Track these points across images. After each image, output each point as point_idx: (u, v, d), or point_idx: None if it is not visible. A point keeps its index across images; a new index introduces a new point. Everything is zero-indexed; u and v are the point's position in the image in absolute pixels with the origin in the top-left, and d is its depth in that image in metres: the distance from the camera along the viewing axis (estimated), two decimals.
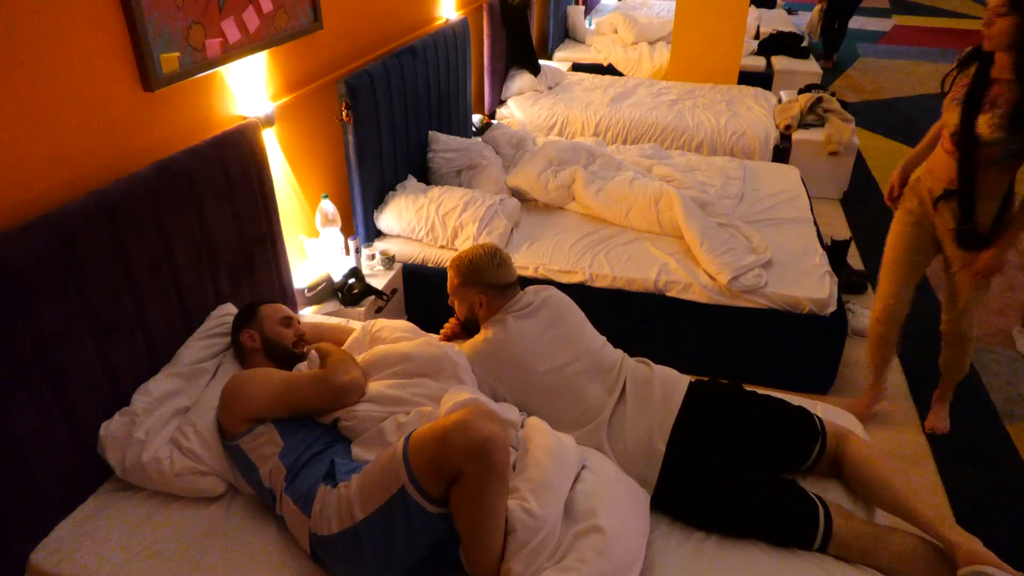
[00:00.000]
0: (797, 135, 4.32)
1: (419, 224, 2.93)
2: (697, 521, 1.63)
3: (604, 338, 1.96)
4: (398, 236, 3.02)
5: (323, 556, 1.49)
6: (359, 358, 1.83)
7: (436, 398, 1.70)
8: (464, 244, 2.87)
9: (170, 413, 1.74)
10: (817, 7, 7.48)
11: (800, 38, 6.23)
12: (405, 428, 1.62)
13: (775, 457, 1.72)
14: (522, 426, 1.70)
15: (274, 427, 1.62)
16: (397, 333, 1.94)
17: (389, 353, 1.81)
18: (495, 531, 1.38)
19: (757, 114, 4.50)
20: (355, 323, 2.15)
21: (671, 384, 1.82)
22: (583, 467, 1.58)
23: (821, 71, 5.78)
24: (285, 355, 1.85)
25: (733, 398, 1.81)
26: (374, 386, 1.74)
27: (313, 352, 1.85)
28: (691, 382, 1.84)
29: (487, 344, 1.83)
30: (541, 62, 4.89)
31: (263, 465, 1.60)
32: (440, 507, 1.39)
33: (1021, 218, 2.05)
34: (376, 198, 2.96)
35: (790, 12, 9.09)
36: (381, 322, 1.98)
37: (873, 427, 2.57)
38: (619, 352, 1.94)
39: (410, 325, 2.01)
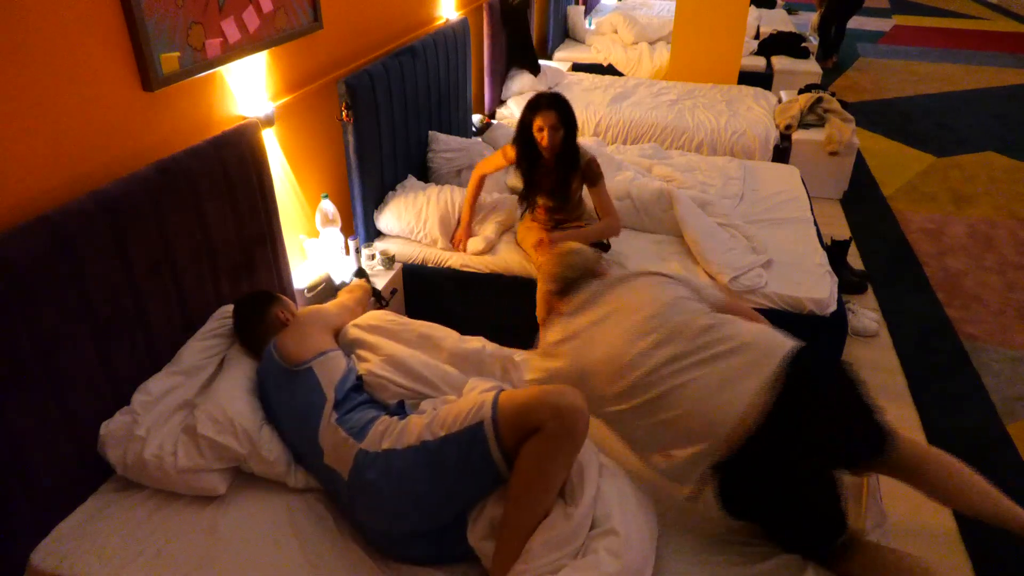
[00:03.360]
0: (797, 135, 4.32)
1: (417, 225, 2.92)
2: (724, 495, 1.55)
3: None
4: (397, 236, 3.02)
5: (359, 477, 1.53)
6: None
7: (456, 386, 1.78)
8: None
9: (172, 409, 1.75)
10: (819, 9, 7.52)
11: (800, 38, 6.23)
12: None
13: (835, 451, 1.57)
14: None
15: (343, 355, 1.78)
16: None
17: (424, 333, 1.93)
18: (545, 500, 1.43)
19: (757, 114, 4.50)
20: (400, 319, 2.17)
21: (769, 352, 1.62)
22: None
23: (821, 71, 5.79)
24: None
25: (821, 380, 1.62)
26: (399, 350, 1.84)
27: None
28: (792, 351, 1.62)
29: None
30: (541, 62, 4.88)
31: (328, 388, 1.67)
32: (502, 458, 1.45)
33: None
34: (376, 198, 2.96)
35: (790, 12, 9.10)
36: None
37: None
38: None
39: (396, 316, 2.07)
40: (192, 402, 1.78)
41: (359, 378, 1.78)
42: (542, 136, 2.54)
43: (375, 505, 1.52)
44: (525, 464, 1.42)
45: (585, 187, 2.71)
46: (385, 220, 2.96)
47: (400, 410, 1.69)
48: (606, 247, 2.85)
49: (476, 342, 1.95)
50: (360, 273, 2.59)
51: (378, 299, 2.54)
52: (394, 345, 1.87)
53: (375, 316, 1.99)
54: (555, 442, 1.41)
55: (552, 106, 2.52)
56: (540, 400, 1.44)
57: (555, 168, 2.64)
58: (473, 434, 1.47)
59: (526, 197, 2.77)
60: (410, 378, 1.78)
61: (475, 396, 1.56)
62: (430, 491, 1.48)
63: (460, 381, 1.79)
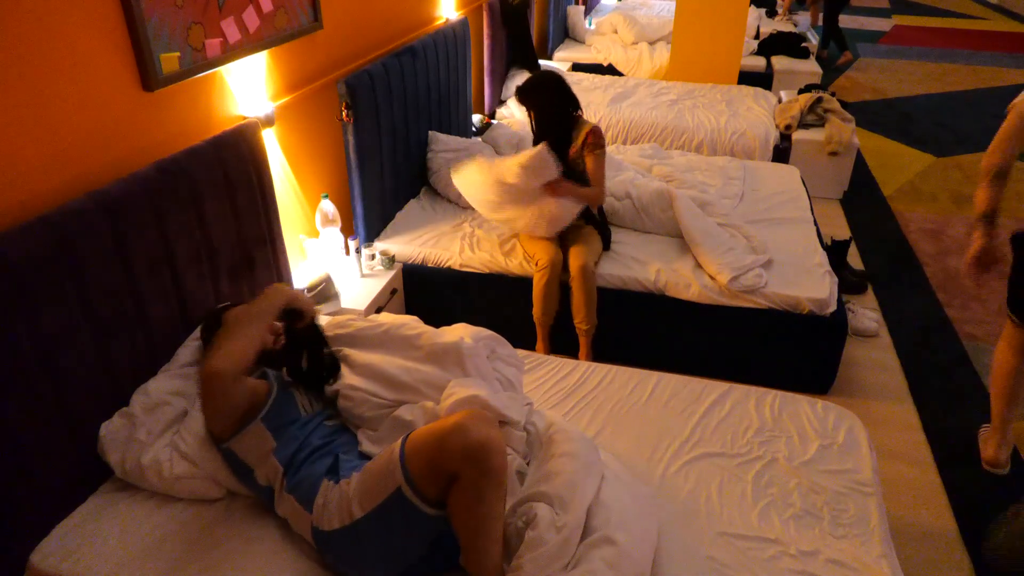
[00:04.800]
0: (797, 135, 4.32)
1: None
2: None
3: None
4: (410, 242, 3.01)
5: (326, 551, 1.50)
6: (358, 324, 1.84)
7: (439, 387, 1.70)
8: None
9: (170, 416, 1.74)
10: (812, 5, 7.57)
11: (800, 38, 6.23)
12: (411, 426, 1.62)
13: None
14: (526, 426, 1.70)
15: (263, 425, 1.59)
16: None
17: (394, 334, 1.81)
18: (493, 535, 1.38)
19: (757, 114, 4.50)
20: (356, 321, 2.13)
21: None
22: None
23: (821, 71, 5.79)
24: (269, 357, 1.76)
25: None
26: (373, 359, 1.74)
27: None
28: None
29: None
30: (541, 62, 4.88)
31: (259, 466, 1.59)
32: (436, 509, 1.39)
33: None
34: (377, 198, 2.95)
35: (790, 12, 9.10)
36: (385, 316, 1.99)
37: (873, 427, 2.57)
38: None
39: (415, 319, 2.01)
40: (187, 410, 1.76)
41: (322, 413, 1.70)
42: None
43: (349, 569, 1.49)
44: (459, 518, 1.37)
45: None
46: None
47: (334, 471, 1.55)
48: (607, 241, 2.85)
49: (453, 334, 1.82)
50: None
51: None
52: (367, 355, 1.78)
53: (339, 324, 1.86)
54: (476, 487, 1.33)
55: (516, 91, 2.83)
56: (446, 444, 1.34)
57: (551, 141, 2.76)
58: (397, 503, 1.39)
59: None
60: (389, 387, 1.70)
61: (385, 453, 1.47)
62: (389, 557, 1.43)
63: (442, 380, 1.71)
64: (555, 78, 2.80)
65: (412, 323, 1.88)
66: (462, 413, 1.41)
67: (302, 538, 1.57)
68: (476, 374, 1.76)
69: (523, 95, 2.80)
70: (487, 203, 2.70)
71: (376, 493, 1.42)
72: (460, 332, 1.84)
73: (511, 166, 2.54)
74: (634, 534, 1.45)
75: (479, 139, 3.67)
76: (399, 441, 1.45)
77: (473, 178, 2.67)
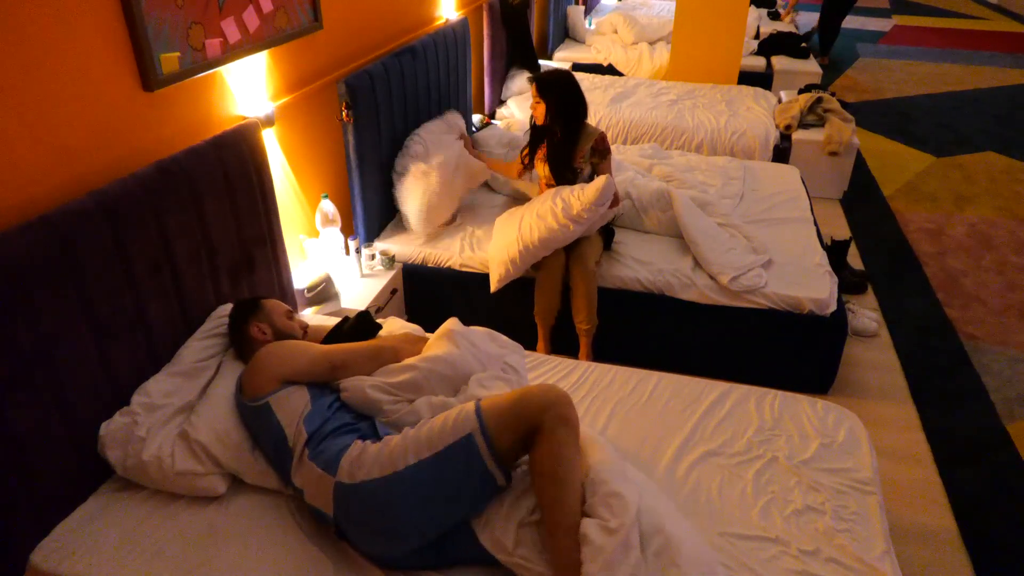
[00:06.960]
0: (797, 135, 4.32)
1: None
2: None
3: None
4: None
5: (347, 508, 1.48)
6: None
7: (444, 381, 1.73)
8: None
9: (172, 411, 1.74)
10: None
11: (800, 38, 6.23)
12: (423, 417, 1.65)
13: None
14: None
15: (306, 388, 1.67)
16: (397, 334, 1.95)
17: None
18: (573, 485, 1.41)
19: (757, 114, 4.50)
20: None
21: None
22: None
23: (821, 71, 5.79)
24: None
25: None
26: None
27: None
28: None
29: None
30: (541, 62, 4.88)
31: (289, 427, 1.61)
32: (497, 466, 1.44)
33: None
34: (377, 198, 2.95)
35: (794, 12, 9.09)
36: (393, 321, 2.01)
37: (873, 427, 2.57)
38: None
39: (413, 326, 2.02)
40: (192, 403, 1.78)
41: (337, 399, 1.70)
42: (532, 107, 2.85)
43: (366, 536, 1.49)
44: (543, 468, 1.43)
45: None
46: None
47: (373, 432, 1.62)
48: (608, 241, 2.85)
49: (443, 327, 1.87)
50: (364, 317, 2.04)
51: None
52: None
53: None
54: (558, 435, 1.43)
55: (534, 80, 2.80)
56: (527, 400, 1.47)
57: (553, 141, 2.83)
58: (464, 448, 1.44)
59: (529, 161, 2.98)
60: (383, 370, 1.75)
61: (453, 410, 1.53)
62: (422, 515, 1.44)
63: (444, 374, 1.74)
64: (572, 77, 2.81)
65: (413, 329, 1.92)
66: (537, 384, 1.51)
67: (308, 528, 1.58)
68: (467, 348, 1.79)
69: (544, 86, 2.76)
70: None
71: (442, 440, 1.46)
72: (451, 326, 1.89)
73: (579, 200, 2.57)
74: (685, 529, 1.46)
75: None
76: (470, 402, 1.53)
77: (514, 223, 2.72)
